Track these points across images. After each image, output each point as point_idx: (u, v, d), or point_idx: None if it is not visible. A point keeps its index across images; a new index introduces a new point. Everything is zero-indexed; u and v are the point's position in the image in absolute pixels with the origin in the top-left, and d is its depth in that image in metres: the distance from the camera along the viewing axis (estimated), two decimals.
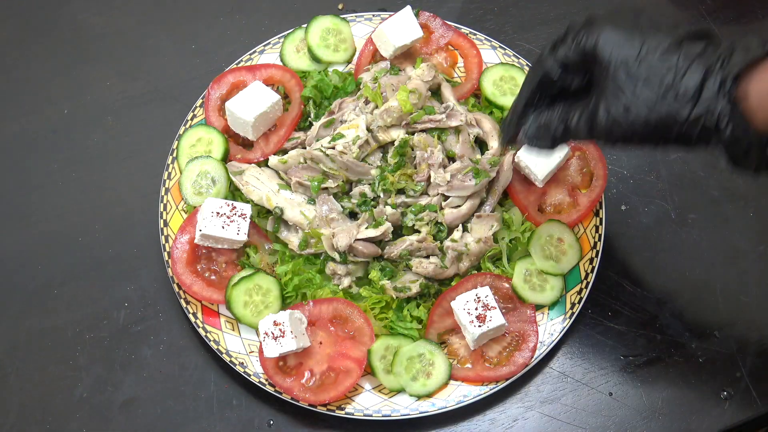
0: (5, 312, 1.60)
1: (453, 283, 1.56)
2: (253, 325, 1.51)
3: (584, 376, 1.55)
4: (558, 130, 1.27)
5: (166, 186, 1.64)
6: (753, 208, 1.69)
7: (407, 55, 1.71)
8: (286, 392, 1.48)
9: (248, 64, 1.73)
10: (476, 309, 1.48)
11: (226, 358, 1.51)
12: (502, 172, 1.61)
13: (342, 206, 1.57)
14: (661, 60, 1.17)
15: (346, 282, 1.55)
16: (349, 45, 1.74)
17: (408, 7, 1.67)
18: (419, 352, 1.50)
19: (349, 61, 1.73)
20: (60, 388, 1.55)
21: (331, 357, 1.50)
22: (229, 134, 1.67)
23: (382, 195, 1.57)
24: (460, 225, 1.58)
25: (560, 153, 1.60)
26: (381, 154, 1.59)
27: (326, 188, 1.57)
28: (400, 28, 1.65)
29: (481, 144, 1.65)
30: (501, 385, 1.50)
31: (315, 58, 1.72)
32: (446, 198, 1.58)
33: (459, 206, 1.58)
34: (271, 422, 1.52)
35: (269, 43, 1.76)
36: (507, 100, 1.68)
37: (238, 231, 1.53)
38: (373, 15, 1.78)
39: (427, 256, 1.56)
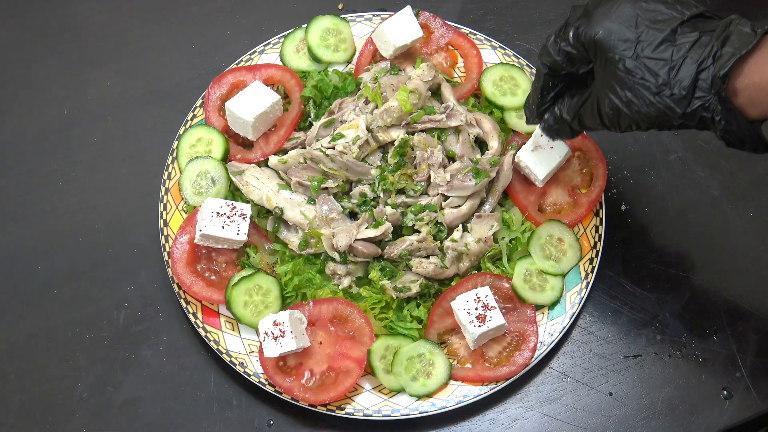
0: (5, 312, 1.60)
1: (453, 283, 1.56)
2: (253, 325, 1.51)
3: (584, 376, 1.55)
4: (573, 123, 1.37)
5: (166, 186, 1.64)
6: (753, 208, 1.69)
7: (407, 55, 1.71)
8: (286, 392, 1.48)
9: (248, 64, 1.73)
10: (476, 309, 1.48)
11: (226, 358, 1.51)
12: (502, 172, 1.61)
13: (342, 206, 1.57)
14: (656, 54, 1.20)
15: (346, 282, 1.55)
16: (349, 45, 1.74)
17: (408, 7, 1.67)
18: (419, 352, 1.50)
19: (349, 61, 1.73)
20: (60, 388, 1.55)
21: (331, 357, 1.50)
22: (229, 134, 1.67)
23: (382, 195, 1.57)
24: (460, 225, 1.58)
25: (560, 153, 1.60)
26: (381, 154, 1.59)
27: (326, 188, 1.57)
28: (400, 28, 1.65)
29: (481, 144, 1.65)
30: (501, 385, 1.50)
31: (315, 58, 1.72)
32: (446, 198, 1.58)
33: (459, 206, 1.58)
34: (271, 422, 1.52)
35: (269, 43, 1.76)
36: (507, 100, 1.68)
37: (238, 231, 1.53)
38: (373, 15, 1.78)
39: (427, 256, 1.56)
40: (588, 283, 1.57)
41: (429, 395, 1.49)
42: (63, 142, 1.75)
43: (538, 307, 1.55)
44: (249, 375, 1.50)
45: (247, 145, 1.68)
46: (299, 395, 1.47)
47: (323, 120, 1.62)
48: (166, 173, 1.65)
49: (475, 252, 1.56)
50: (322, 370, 1.50)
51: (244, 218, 1.54)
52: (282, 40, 1.75)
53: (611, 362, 1.56)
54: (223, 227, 1.52)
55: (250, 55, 1.74)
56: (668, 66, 1.19)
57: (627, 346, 1.57)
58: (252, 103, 1.61)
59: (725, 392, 1.54)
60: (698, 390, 1.54)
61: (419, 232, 1.56)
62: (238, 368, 1.50)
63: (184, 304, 1.55)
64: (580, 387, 1.55)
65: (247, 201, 1.60)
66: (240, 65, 1.73)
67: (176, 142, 1.66)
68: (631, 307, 1.60)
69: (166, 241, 1.59)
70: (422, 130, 1.59)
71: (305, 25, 1.73)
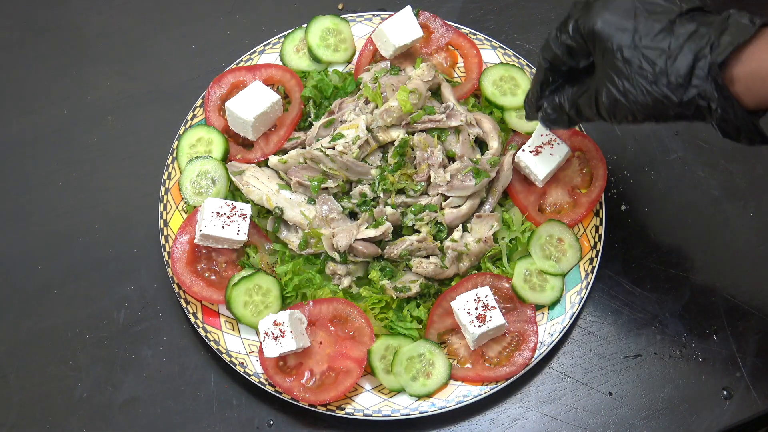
0: (5, 312, 1.60)
1: (453, 283, 1.56)
2: (253, 325, 1.51)
3: (584, 376, 1.55)
4: (571, 112, 1.37)
5: (166, 186, 1.64)
6: (753, 208, 1.69)
7: (407, 55, 1.71)
8: (286, 392, 1.48)
9: (248, 64, 1.73)
10: (476, 309, 1.48)
11: (226, 358, 1.51)
12: (502, 172, 1.61)
13: (342, 206, 1.57)
14: (653, 44, 1.21)
15: (346, 282, 1.55)
16: (349, 45, 1.74)
17: (408, 7, 1.67)
18: (419, 352, 1.50)
19: (349, 61, 1.73)
20: (60, 388, 1.55)
21: (331, 357, 1.50)
22: (229, 134, 1.67)
23: (382, 195, 1.57)
24: (460, 225, 1.58)
25: (560, 153, 1.60)
26: (381, 154, 1.59)
27: (326, 188, 1.57)
28: (400, 28, 1.65)
29: (481, 144, 1.65)
30: (501, 385, 1.50)
31: (315, 58, 1.72)
32: (446, 198, 1.58)
33: (459, 206, 1.58)
34: (271, 422, 1.52)
35: (269, 43, 1.76)
36: (507, 100, 1.68)
37: (238, 231, 1.53)
38: (373, 15, 1.78)
39: (427, 256, 1.56)
40: (588, 283, 1.57)
41: (429, 395, 1.49)
42: (63, 142, 1.75)
43: (538, 307, 1.55)
44: (249, 375, 1.50)
45: (247, 145, 1.68)
46: (299, 395, 1.47)
47: (323, 120, 1.62)
48: (166, 173, 1.65)
49: (475, 252, 1.56)
50: (322, 370, 1.50)
51: (244, 218, 1.54)
52: (282, 40, 1.75)
53: (611, 362, 1.56)
54: (223, 227, 1.52)
55: (250, 55, 1.74)
56: (665, 55, 1.19)
57: (627, 346, 1.57)
58: (252, 103, 1.61)
59: (725, 392, 1.54)
60: (698, 390, 1.54)
61: (419, 232, 1.56)
62: (238, 368, 1.50)
63: (184, 304, 1.55)
64: (580, 387, 1.54)
65: (247, 201, 1.60)
66: (240, 65, 1.73)
67: (176, 142, 1.66)
68: (631, 307, 1.60)
69: (166, 241, 1.59)
70: (422, 130, 1.59)
71: (305, 25, 1.73)
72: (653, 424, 1.52)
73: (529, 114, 1.48)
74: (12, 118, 1.78)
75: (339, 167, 1.56)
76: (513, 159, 1.62)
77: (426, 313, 1.54)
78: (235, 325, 1.54)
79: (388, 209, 1.56)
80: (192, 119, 1.69)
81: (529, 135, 1.64)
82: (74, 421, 1.52)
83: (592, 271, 1.57)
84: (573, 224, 1.60)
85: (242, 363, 1.51)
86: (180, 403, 1.53)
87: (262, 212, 1.62)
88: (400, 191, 1.58)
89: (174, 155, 1.65)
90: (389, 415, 1.47)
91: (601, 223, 1.60)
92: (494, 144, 1.62)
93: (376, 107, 1.60)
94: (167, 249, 1.58)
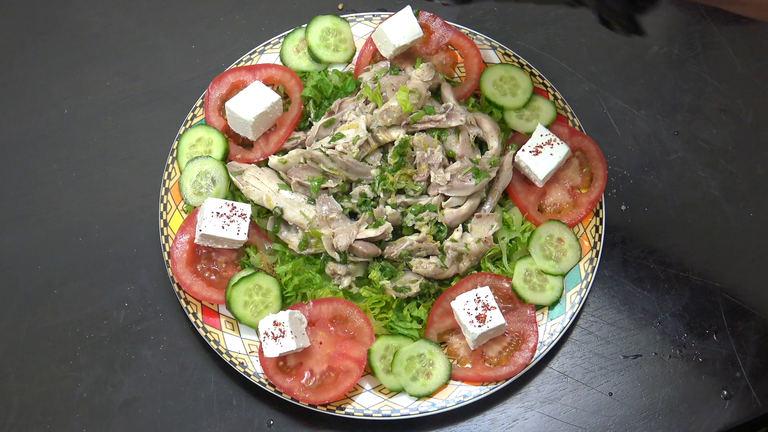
0: (5, 312, 1.60)
1: (453, 283, 1.56)
2: (253, 325, 1.51)
3: (584, 376, 1.55)
4: None
5: (166, 186, 1.64)
6: (753, 208, 1.69)
7: (407, 55, 1.71)
8: (286, 392, 1.47)
9: (248, 64, 1.73)
10: (476, 309, 1.48)
11: (226, 358, 1.51)
12: (502, 172, 1.61)
13: (342, 206, 1.57)
14: None
15: (346, 282, 1.55)
16: (349, 45, 1.74)
17: (408, 7, 1.67)
18: (419, 352, 1.50)
19: (349, 61, 1.73)
20: (60, 388, 1.55)
21: (331, 357, 1.50)
22: (229, 134, 1.67)
23: (382, 195, 1.57)
24: (460, 225, 1.58)
25: (560, 153, 1.60)
26: (381, 154, 1.59)
27: (326, 188, 1.57)
28: (400, 28, 1.65)
29: (481, 144, 1.65)
30: (501, 385, 1.50)
31: (315, 58, 1.72)
32: (446, 198, 1.58)
33: (459, 206, 1.58)
34: (271, 422, 1.52)
35: (269, 43, 1.76)
36: (507, 100, 1.68)
37: (238, 231, 1.53)
38: (373, 15, 1.78)
39: (427, 256, 1.56)
40: (588, 283, 1.57)
41: (429, 395, 1.49)
42: (63, 142, 1.75)
43: (538, 307, 1.55)
44: (249, 375, 1.50)
45: (247, 145, 1.68)
46: (299, 395, 1.47)
47: (323, 120, 1.62)
48: (166, 173, 1.65)
49: (475, 252, 1.56)
50: (322, 370, 1.49)
51: (244, 218, 1.54)
52: (282, 40, 1.75)
53: (611, 362, 1.56)
54: (223, 227, 1.52)
55: (250, 55, 1.74)
56: None
57: (627, 346, 1.57)
58: (252, 103, 1.61)
59: (725, 392, 1.54)
60: (698, 390, 1.54)
61: (419, 232, 1.56)
62: (238, 368, 1.50)
63: (184, 304, 1.55)
64: (580, 387, 1.54)
65: (247, 201, 1.60)
66: (240, 65, 1.73)
67: (176, 142, 1.66)
68: (631, 307, 1.60)
69: (166, 241, 1.59)
70: (422, 130, 1.59)
71: (305, 25, 1.73)
72: (653, 424, 1.52)
73: None
74: (12, 118, 1.78)
75: (339, 167, 1.56)
76: (513, 159, 1.62)
77: (426, 313, 1.54)
78: (235, 325, 1.54)
79: (388, 209, 1.56)
80: (192, 119, 1.69)
81: (529, 135, 1.64)
82: (74, 421, 1.52)
83: (592, 271, 1.57)
84: (573, 224, 1.60)
85: (242, 363, 1.51)
86: (180, 403, 1.53)
87: (262, 212, 1.62)
88: (400, 191, 1.58)
89: (174, 155, 1.65)
90: (389, 415, 1.47)
91: (601, 223, 1.60)
92: (494, 144, 1.62)
93: (376, 107, 1.60)
94: (167, 249, 1.58)
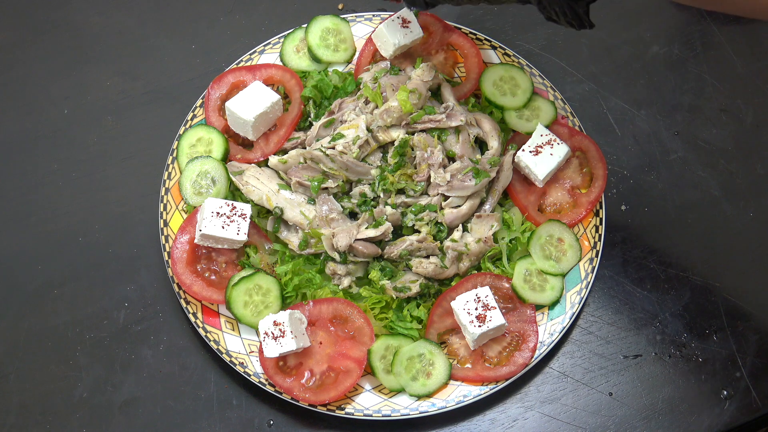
0: (5, 312, 1.60)
1: (453, 283, 1.56)
2: (253, 325, 1.51)
3: (584, 376, 1.55)
4: None
5: (166, 186, 1.64)
6: (753, 208, 1.69)
7: (407, 55, 1.71)
8: (286, 392, 1.47)
9: (248, 64, 1.73)
10: (476, 309, 1.48)
11: (226, 358, 1.51)
12: (502, 172, 1.61)
13: (342, 206, 1.57)
14: None
15: (346, 282, 1.55)
16: (349, 45, 1.74)
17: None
18: (419, 352, 1.50)
19: (349, 61, 1.73)
20: (60, 388, 1.55)
21: (331, 357, 1.50)
22: (229, 134, 1.67)
23: (382, 195, 1.57)
24: (460, 225, 1.58)
25: (560, 153, 1.60)
26: (381, 154, 1.59)
27: (326, 188, 1.57)
28: (400, 28, 1.65)
29: (481, 144, 1.65)
30: (501, 385, 1.50)
31: (315, 58, 1.72)
32: (446, 198, 1.58)
33: (459, 206, 1.58)
34: (271, 422, 1.52)
35: (269, 43, 1.76)
36: (507, 100, 1.68)
37: (238, 231, 1.53)
38: (373, 15, 1.78)
39: (427, 256, 1.56)
40: (588, 283, 1.57)
41: (429, 395, 1.49)
42: (63, 142, 1.75)
43: (538, 307, 1.55)
44: (249, 375, 1.50)
45: (247, 145, 1.68)
46: (299, 395, 1.47)
47: (323, 120, 1.62)
48: (166, 173, 1.65)
49: (475, 252, 1.56)
50: (322, 370, 1.49)
51: (244, 218, 1.54)
52: (282, 40, 1.75)
53: (611, 362, 1.56)
54: (223, 227, 1.52)
55: (250, 55, 1.74)
56: None
57: (627, 346, 1.57)
58: (252, 103, 1.61)
59: (725, 392, 1.54)
60: (698, 390, 1.54)
61: (419, 232, 1.56)
62: (238, 368, 1.50)
63: (184, 304, 1.55)
64: (580, 387, 1.54)
65: (247, 201, 1.60)
66: (240, 65, 1.73)
67: (176, 142, 1.66)
68: (631, 307, 1.60)
69: (166, 241, 1.59)
70: (422, 130, 1.59)
71: (305, 25, 1.73)
72: (653, 424, 1.52)
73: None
74: (12, 118, 1.78)
75: (339, 167, 1.56)
76: (513, 159, 1.62)
77: (426, 313, 1.54)
78: (235, 325, 1.54)
79: (388, 209, 1.56)
80: (192, 119, 1.69)
81: (529, 135, 1.64)
82: (74, 421, 1.52)
83: (592, 271, 1.57)
84: (573, 224, 1.60)
85: (242, 363, 1.51)
86: (180, 403, 1.53)
87: (262, 212, 1.62)
88: (400, 191, 1.58)
89: (174, 155, 1.65)
90: (389, 415, 1.47)
91: (601, 223, 1.60)
92: (494, 144, 1.62)
93: (376, 107, 1.60)
94: (167, 249, 1.58)
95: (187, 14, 1.89)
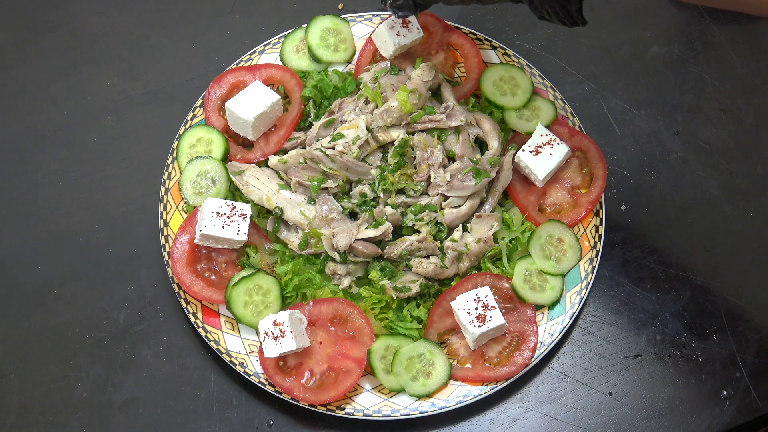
0: (5, 312, 1.60)
1: (453, 283, 1.56)
2: (253, 325, 1.51)
3: (584, 376, 1.55)
4: None
5: (166, 186, 1.64)
6: (753, 208, 1.69)
7: (407, 55, 1.71)
8: (286, 392, 1.47)
9: (248, 64, 1.73)
10: (476, 309, 1.48)
11: (226, 358, 1.51)
12: (502, 172, 1.61)
13: (342, 206, 1.57)
14: None
15: (346, 282, 1.55)
16: (349, 45, 1.74)
17: None
18: (419, 352, 1.50)
19: (349, 61, 1.73)
20: (60, 388, 1.55)
21: (331, 357, 1.50)
22: (229, 134, 1.67)
23: (382, 195, 1.57)
24: (460, 225, 1.58)
25: (560, 153, 1.60)
26: (381, 154, 1.59)
27: (326, 188, 1.57)
28: (401, 28, 1.65)
29: (481, 144, 1.65)
30: (501, 385, 1.50)
31: (315, 58, 1.72)
32: (446, 198, 1.58)
33: (459, 206, 1.58)
34: (271, 422, 1.52)
35: (269, 43, 1.76)
36: (507, 100, 1.68)
37: (238, 231, 1.53)
38: (373, 15, 1.78)
39: (427, 256, 1.56)
40: (588, 283, 1.57)
41: (429, 395, 1.49)
42: (63, 142, 1.75)
43: (538, 307, 1.55)
44: (249, 375, 1.50)
45: (247, 145, 1.68)
46: (299, 395, 1.47)
47: (323, 120, 1.62)
48: (166, 173, 1.65)
49: (475, 252, 1.56)
50: (322, 370, 1.50)
51: (244, 218, 1.54)
52: (282, 40, 1.75)
53: (611, 362, 1.56)
54: (223, 227, 1.52)
55: (250, 55, 1.74)
56: None
57: (627, 346, 1.57)
58: (252, 103, 1.61)
59: (725, 392, 1.54)
60: (698, 390, 1.54)
61: (419, 232, 1.56)
62: (238, 368, 1.50)
63: (184, 304, 1.55)
64: (580, 387, 1.54)
65: (247, 201, 1.60)
66: (240, 65, 1.73)
67: (176, 142, 1.66)
68: (631, 307, 1.60)
69: (166, 241, 1.59)
70: (422, 130, 1.59)
71: (305, 25, 1.73)
72: (653, 424, 1.52)
73: (388, 5, 1.47)
74: (12, 118, 1.78)
75: (339, 167, 1.56)
76: (513, 159, 1.62)
77: (426, 313, 1.54)
78: (235, 325, 1.54)
79: (388, 209, 1.56)
80: (192, 119, 1.69)
81: (529, 135, 1.64)
82: (74, 421, 1.52)
83: (592, 271, 1.57)
84: (573, 224, 1.60)
85: (242, 363, 1.51)
86: (180, 403, 1.53)
87: (262, 212, 1.62)
88: (400, 191, 1.58)
89: (174, 155, 1.65)
90: (389, 415, 1.47)
91: (601, 223, 1.60)
92: (494, 144, 1.62)
93: (376, 107, 1.60)
94: (167, 249, 1.58)
95: (187, 14, 1.89)
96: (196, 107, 1.70)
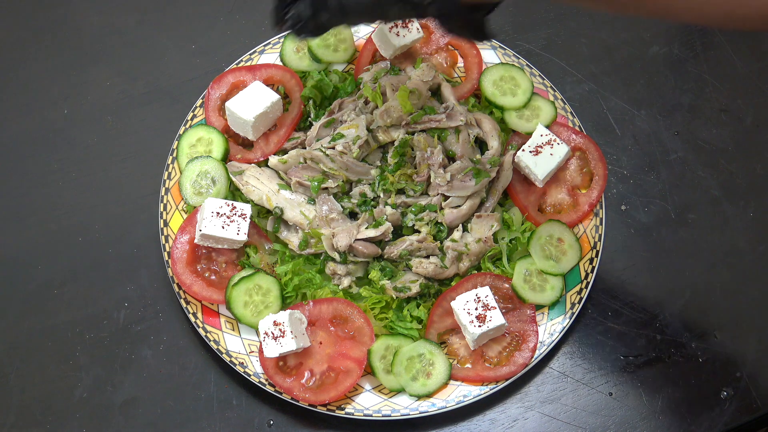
0: (5, 312, 1.60)
1: (453, 283, 1.56)
2: (253, 325, 1.51)
3: (584, 376, 1.55)
4: (313, 18, 1.32)
5: (166, 186, 1.64)
6: (753, 208, 1.69)
7: (407, 55, 1.71)
8: (286, 392, 1.48)
9: (248, 64, 1.73)
10: (476, 309, 1.48)
11: (226, 358, 1.51)
12: (502, 172, 1.61)
13: (342, 206, 1.57)
14: None
15: (346, 282, 1.55)
16: (349, 45, 1.74)
17: None
18: (419, 352, 1.50)
19: (349, 61, 1.73)
20: (60, 388, 1.55)
21: (331, 357, 1.50)
22: (229, 134, 1.67)
23: (382, 195, 1.57)
24: (460, 225, 1.58)
25: (560, 153, 1.60)
26: (381, 154, 1.59)
27: (326, 188, 1.57)
28: (401, 28, 1.65)
29: (481, 144, 1.65)
30: (501, 385, 1.50)
31: (315, 58, 1.72)
32: (446, 198, 1.58)
33: (459, 206, 1.58)
34: (271, 422, 1.52)
35: (269, 43, 1.76)
36: (507, 100, 1.68)
37: (238, 231, 1.53)
38: None
39: (427, 256, 1.56)
40: (588, 283, 1.57)
41: (429, 395, 1.49)
42: (63, 142, 1.75)
43: (538, 307, 1.55)
44: (249, 375, 1.50)
45: (247, 145, 1.68)
46: (299, 395, 1.47)
47: (323, 120, 1.62)
48: (166, 173, 1.65)
49: (475, 252, 1.56)
50: (322, 370, 1.50)
51: (244, 218, 1.54)
52: (282, 40, 1.75)
53: (611, 362, 1.56)
54: (223, 227, 1.52)
55: (250, 55, 1.74)
56: None
57: (627, 346, 1.57)
58: (252, 103, 1.61)
59: (725, 392, 1.54)
60: (698, 390, 1.54)
61: (419, 232, 1.56)
62: (238, 368, 1.50)
63: (184, 304, 1.55)
64: (580, 387, 1.54)
65: (247, 201, 1.60)
66: (240, 65, 1.73)
67: (176, 142, 1.66)
68: (631, 307, 1.60)
69: (166, 241, 1.59)
70: (422, 130, 1.59)
71: None
72: (653, 424, 1.52)
73: (273, 24, 1.40)
74: (12, 118, 1.78)
75: (339, 167, 1.56)
76: (513, 159, 1.62)
77: (426, 313, 1.54)
78: (235, 325, 1.54)
79: (388, 209, 1.56)
80: (192, 119, 1.69)
81: (529, 135, 1.64)
82: (74, 421, 1.52)
83: (592, 271, 1.57)
84: (573, 224, 1.60)
85: (242, 363, 1.51)
86: (180, 403, 1.53)
87: (262, 212, 1.62)
88: (400, 191, 1.58)
89: (174, 155, 1.65)
90: (389, 415, 1.47)
91: (601, 223, 1.60)
92: (494, 144, 1.62)
93: (376, 107, 1.60)
94: (167, 249, 1.58)
95: (187, 14, 1.89)
96: (196, 107, 1.70)
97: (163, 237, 1.59)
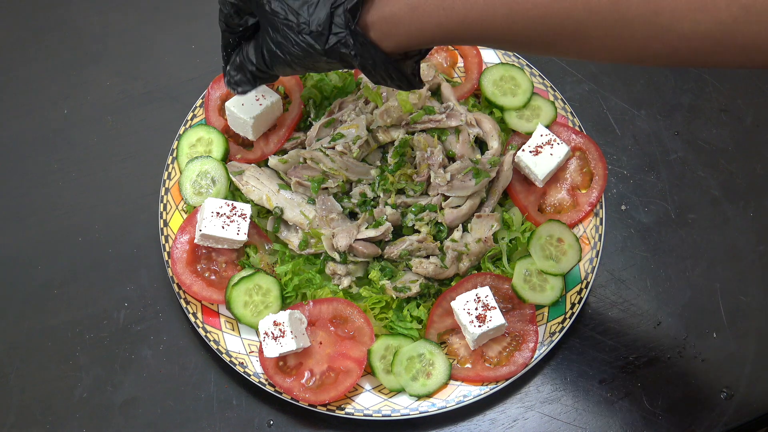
0: (5, 312, 1.60)
1: (453, 283, 1.56)
2: (253, 325, 1.51)
3: (584, 376, 1.55)
4: (250, 69, 1.34)
5: (166, 186, 1.64)
6: (753, 208, 1.69)
7: None
8: (286, 392, 1.48)
9: None
10: (476, 309, 1.48)
11: (226, 358, 1.51)
12: (502, 172, 1.61)
13: (342, 206, 1.57)
14: None
15: (346, 282, 1.55)
16: None
17: None
18: (419, 352, 1.50)
19: None
20: (60, 388, 1.55)
21: (331, 357, 1.50)
22: (229, 134, 1.67)
23: (382, 195, 1.57)
24: (460, 225, 1.58)
25: (560, 153, 1.60)
26: (381, 154, 1.59)
27: (326, 188, 1.57)
28: None
29: (481, 144, 1.65)
30: (501, 385, 1.50)
31: None
32: (446, 198, 1.58)
33: (459, 206, 1.58)
34: (271, 422, 1.52)
35: None
36: (507, 100, 1.68)
37: (238, 231, 1.53)
38: None
39: (427, 256, 1.56)
40: (588, 283, 1.57)
41: (429, 395, 1.49)
42: (63, 142, 1.75)
43: (538, 307, 1.55)
44: (249, 375, 1.50)
45: (247, 145, 1.68)
46: (299, 395, 1.47)
47: (323, 120, 1.62)
48: (166, 173, 1.65)
49: (475, 252, 1.56)
50: (322, 370, 1.50)
51: (244, 218, 1.54)
52: None
53: (611, 362, 1.56)
54: (223, 227, 1.52)
55: None
56: (306, 5, 1.21)
57: (627, 346, 1.57)
58: (252, 103, 1.61)
59: (725, 392, 1.54)
60: (698, 390, 1.54)
61: (419, 232, 1.56)
62: (238, 368, 1.50)
63: (184, 304, 1.55)
64: (580, 387, 1.55)
65: (247, 201, 1.60)
66: None
67: (176, 142, 1.66)
68: (631, 307, 1.60)
69: (166, 241, 1.59)
70: (422, 130, 1.59)
71: None
72: (653, 424, 1.52)
73: (226, 84, 1.41)
74: (12, 118, 1.78)
75: (339, 167, 1.56)
76: (513, 159, 1.62)
77: (426, 313, 1.54)
78: (235, 325, 1.54)
79: (388, 209, 1.56)
80: (192, 119, 1.69)
81: (529, 135, 1.64)
82: (74, 421, 1.52)
83: (592, 271, 1.57)
84: (573, 224, 1.60)
85: (242, 363, 1.51)
86: (180, 403, 1.53)
87: (262, 212, 1.62)
88: (400, 191, 1.58)
89: (174, 155, 1.65)
90: (389, 415, 1.47)
91: (601, 223, 1.60)
92: (494, 144, 1.62)
93: (376, 107, 1.60)
94: (167, 249, 1.58)
95: (187, 14, 1.89)
96: (196, 107, 1.70)
97: (163, 237, 1.59)
